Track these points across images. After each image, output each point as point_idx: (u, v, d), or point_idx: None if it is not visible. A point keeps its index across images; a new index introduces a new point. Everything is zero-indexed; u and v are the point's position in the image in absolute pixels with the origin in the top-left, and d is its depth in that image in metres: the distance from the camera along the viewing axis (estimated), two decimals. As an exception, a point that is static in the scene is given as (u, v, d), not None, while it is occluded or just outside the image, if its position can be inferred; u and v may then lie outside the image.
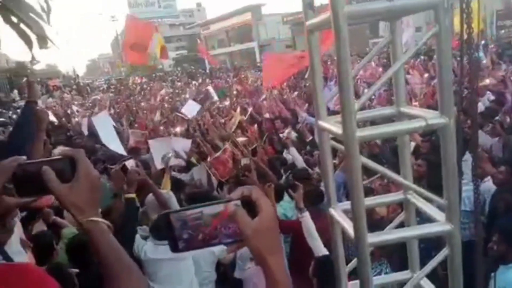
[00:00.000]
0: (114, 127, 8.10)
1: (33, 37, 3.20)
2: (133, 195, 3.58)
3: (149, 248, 3.66)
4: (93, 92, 31.34)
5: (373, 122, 2.12)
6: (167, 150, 6.07)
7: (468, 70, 1.56)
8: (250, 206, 0.98)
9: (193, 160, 6.73)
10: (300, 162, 5.99)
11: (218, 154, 6.05)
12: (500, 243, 3.12)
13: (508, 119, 6.39)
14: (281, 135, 7.55)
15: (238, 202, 0.98)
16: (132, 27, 12.42)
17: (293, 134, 7.47)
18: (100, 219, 1.05)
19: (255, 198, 0.99)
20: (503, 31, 25.26)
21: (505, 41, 19.45)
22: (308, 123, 7.45)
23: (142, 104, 15.35)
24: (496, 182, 4.36)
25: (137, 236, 3.70)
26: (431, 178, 4.27)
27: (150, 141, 6.89)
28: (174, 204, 4.00)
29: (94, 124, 7.20)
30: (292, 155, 6.22)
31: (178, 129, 9.37)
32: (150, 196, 4.22)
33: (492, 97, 7.97)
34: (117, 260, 1.06)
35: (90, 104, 18.53)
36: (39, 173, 1.00)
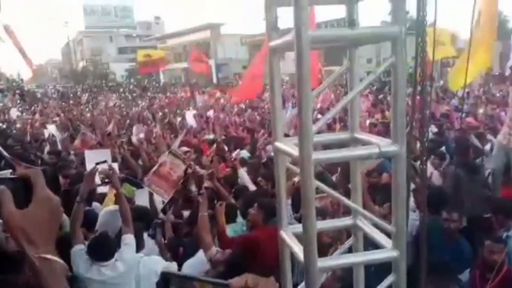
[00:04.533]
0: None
1: None
2: None
3: (82, 264, 3.38)
4: (40, 99, 30.06)
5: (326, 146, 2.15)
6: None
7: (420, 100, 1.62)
8: None
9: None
10: (250, 184, 5.90)
11: (155, 168, 5.30)
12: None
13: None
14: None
15: None
16: None
17: (246, 154, 7.42)
18: (54, 258, 0.88)
19: None
20: (449, 68, 26.73)
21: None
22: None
23: (88, 115, 14.83)
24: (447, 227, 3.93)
25: (76, 248, 3.45)
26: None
27: (86, 152, 6.30)
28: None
29: None
30: (242, 177, 6.13)
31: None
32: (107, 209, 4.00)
33: (435, 130, 8.39)
34: None
35: (33, 111, 17.74)
36: None
